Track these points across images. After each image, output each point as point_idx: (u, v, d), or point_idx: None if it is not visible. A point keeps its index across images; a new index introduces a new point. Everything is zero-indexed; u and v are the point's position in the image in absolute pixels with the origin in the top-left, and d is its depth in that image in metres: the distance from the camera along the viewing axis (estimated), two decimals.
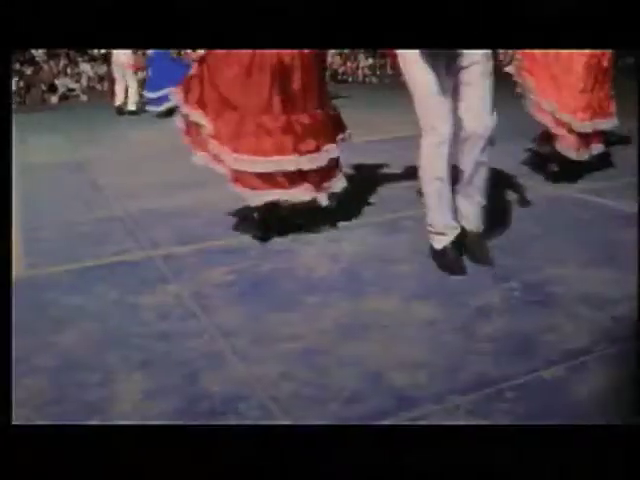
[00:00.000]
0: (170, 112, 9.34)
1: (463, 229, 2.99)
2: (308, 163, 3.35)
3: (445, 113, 2.77)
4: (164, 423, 1.87)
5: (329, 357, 2.23)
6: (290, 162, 3.31)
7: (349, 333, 2.39)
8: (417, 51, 2.70)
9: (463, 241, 2.99)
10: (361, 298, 2.69)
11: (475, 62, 2.74)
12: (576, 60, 4.10)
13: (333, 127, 3.56)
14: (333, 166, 3.54)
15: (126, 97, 10.28)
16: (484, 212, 3.01)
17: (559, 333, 2.31)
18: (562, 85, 4.16)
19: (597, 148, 4.38)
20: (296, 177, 3.36)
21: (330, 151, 3.47)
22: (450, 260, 2.92)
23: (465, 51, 2.68)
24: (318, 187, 3.44)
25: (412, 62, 2.76)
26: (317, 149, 3.40)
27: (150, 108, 9.74)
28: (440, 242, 2.97)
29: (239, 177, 3.30)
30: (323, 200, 3.46)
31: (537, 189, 4.22)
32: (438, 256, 2.98)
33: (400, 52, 2.81)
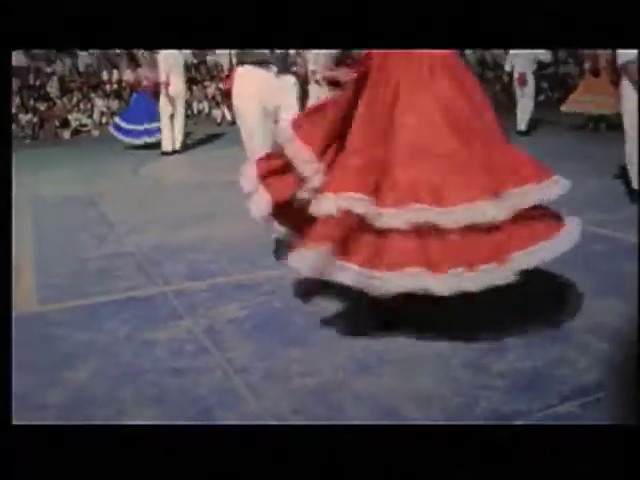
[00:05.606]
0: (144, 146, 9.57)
1: None
2: None
3: None
4: (168, 423, 1.85)
5: (342, 392, 2.23)
6: None
7: (364, 368, 2.39)
8: None
9: None
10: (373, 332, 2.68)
11: None
12: None
13: None
14: None
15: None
16: None
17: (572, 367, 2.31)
18: None
19: None
20: None
21: None
22: None
23: None
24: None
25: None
26: None
27: (119, 135, 9.93)
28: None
29: None
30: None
31: None
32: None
33: None
